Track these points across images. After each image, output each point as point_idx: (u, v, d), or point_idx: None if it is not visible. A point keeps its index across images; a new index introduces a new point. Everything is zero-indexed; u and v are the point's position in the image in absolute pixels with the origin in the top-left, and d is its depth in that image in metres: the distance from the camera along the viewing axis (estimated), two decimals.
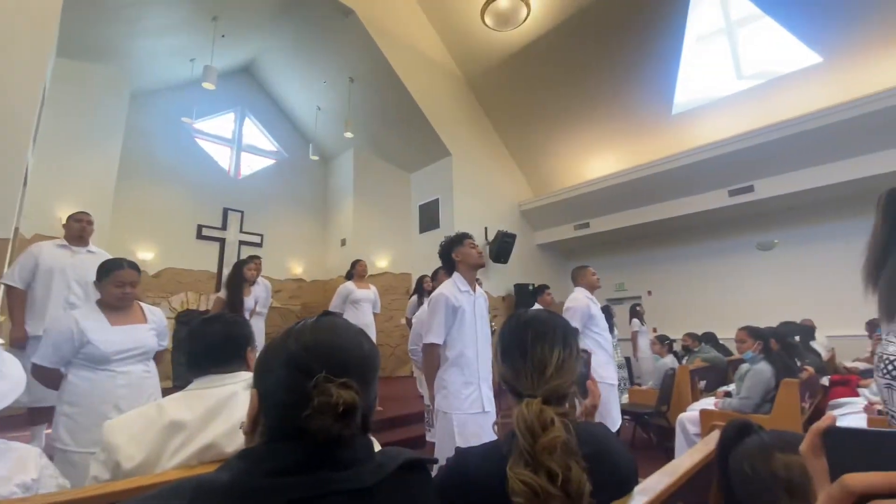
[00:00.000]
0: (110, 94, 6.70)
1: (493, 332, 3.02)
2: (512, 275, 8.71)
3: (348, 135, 7.87)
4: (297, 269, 9.61)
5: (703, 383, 5.00)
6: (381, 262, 9.23)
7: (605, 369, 3.24)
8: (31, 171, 4.54)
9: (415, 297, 5.27)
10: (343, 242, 9.45)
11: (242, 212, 8.88)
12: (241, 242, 8.74)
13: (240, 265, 4.28)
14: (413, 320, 4.10)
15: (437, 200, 8.34)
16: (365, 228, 9.26)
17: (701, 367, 5.12)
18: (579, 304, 3.33)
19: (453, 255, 2.57)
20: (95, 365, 2.04)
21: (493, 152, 9.09)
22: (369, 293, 5.00)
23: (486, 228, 8.51)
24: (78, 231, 3.25)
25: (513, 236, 8.63)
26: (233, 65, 8.98)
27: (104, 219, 6.08)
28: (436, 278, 4.04)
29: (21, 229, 4.83)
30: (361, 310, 4.82)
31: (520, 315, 1.09)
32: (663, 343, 5.74)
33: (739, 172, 7.06)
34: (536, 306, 4.94)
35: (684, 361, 5.59)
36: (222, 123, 9.37)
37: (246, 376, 1.42)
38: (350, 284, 4.96)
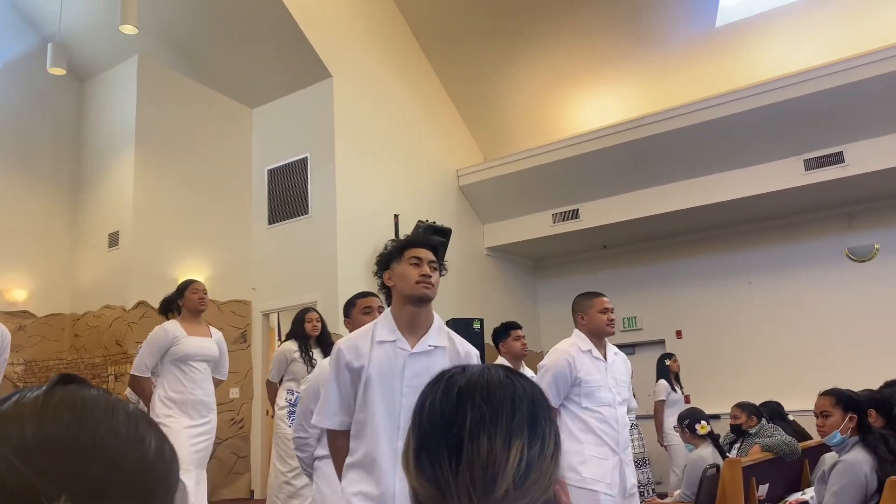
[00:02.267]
0: None
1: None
2: (445, 302, 8.43)
3: (128, 29, 7.35)
4: (17, 294, 8.68)
5: (763, 488, 5.07)
6: (191, 274, 8.24)
7: (590, 466, 3.37)
8: None
9: (289, 347, 5.48)
10: (114, 240, 8.75)
11: None
12: None
13: None
14: (295, 387, 4.58)
15: (303, 161, 8.44)
16: (155, 213, 8.72)
17: (761, 461, 5.18)
18: (553, 362, 3.53)
19: (386, 279, 2.72)
20: None
21: (417, 86, 9.46)
22: (207, 343, 4.81)
23: (396, 217, 8.51)
24: None
25: (446, 232, 8.56)
26: None
27: None
28: (349, 314, 3.72)
29: None
30: (193, 375, 4.67)
31: (450, 378, 1.01)
32: (693, 428, 5.61)
33: (822, 131, 7.27)
34: (500, 360, 5.15)
35: (734, 452, 5.76)
36: None
37: None
38: (172, 326, 4.74)
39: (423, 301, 2.61)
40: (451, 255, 8.69)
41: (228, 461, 7.85)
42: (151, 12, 7.74)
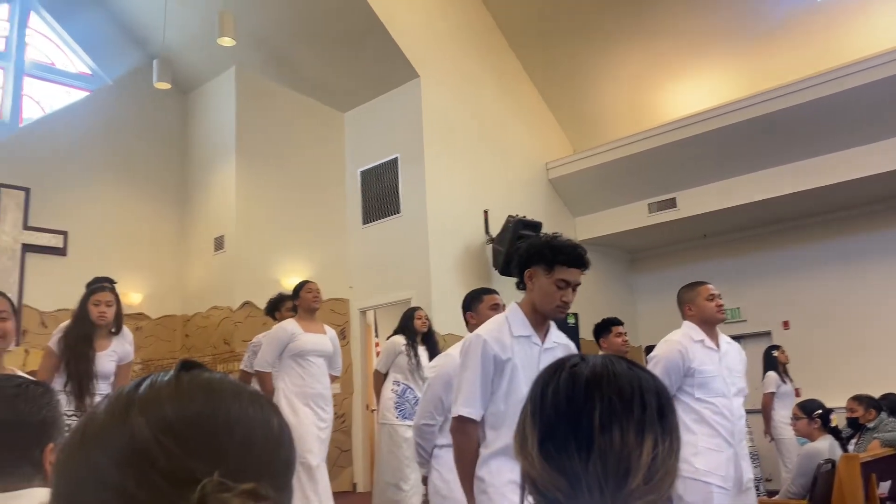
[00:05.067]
0: None
1: None
2: None
3: (226, 41, 7.58)
4: (133, 298, 9.01)
5: (885, 485, 4.99)
6: (289, 278, 8.47)
7: (704, 457, 3.32)
8: None
9: (398, 340, 5.62)
10: (219, 244, 9.05)
11: (27, 189, 8.45)
12: (27, 247, 8.36)
13: (86, 295, 4.31)
14: (428, 373, 4.57)
15: (393, 162, 8.51)
16: (257, 217, 8.97)
17: (881, 457, 5.13)
18: (665, 353, 3.49)
19: (526, 278, 2.69)
20: None
21: (503, 80, 9.41)
22: (323, 340, 5.07)
23: (486, 213, 8.49)
24: None
25: (536, 226, 8.33)
26: None
27: None
28: (474, 308, 3.75)
29: None
30: (311, 369, 4.92)
31: (573, 367, 1.00)
32: (811, 416, 5.52)
33: None
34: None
35: (851, 447, 5.62)
36: None
37: (44, 497, 1.10)
38: (290, 324, 5.01)
39: (554, 320, 2.69)
40: None
41: (331, 455, 8.12)
42: (247, 24, 8.07)
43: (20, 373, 2.52)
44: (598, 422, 0.92)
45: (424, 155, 8.05)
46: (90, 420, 0.71)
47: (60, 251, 8.47)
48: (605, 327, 5.41)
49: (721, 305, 3.60)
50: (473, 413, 2.61)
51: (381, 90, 8.61)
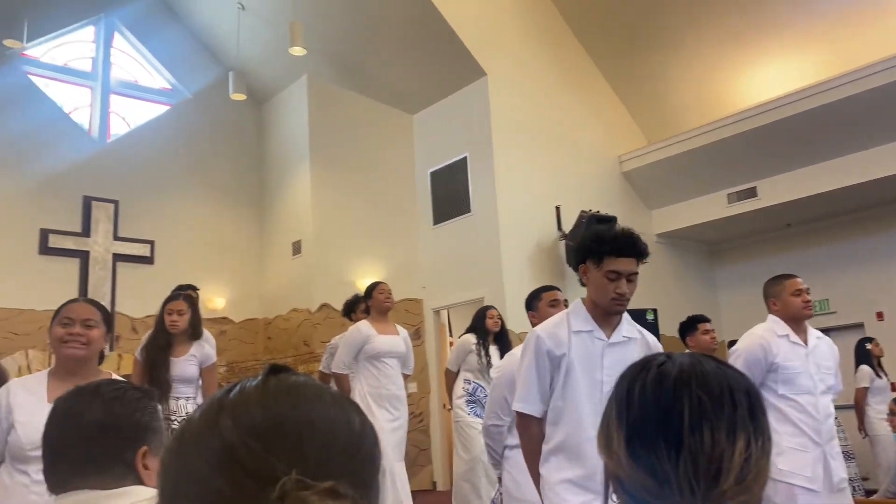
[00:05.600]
0: None
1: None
2: None
3: (297, 51, 7.75)
4: (217, 302, 9.30)
5: None
6: (364, 280, 8.53)
7: (788, 457, 3.27)
8: None
9: (468, 339, 5.62)
10: (297, 248, 9.20)
11: (116, 202, 8.74)
12: (118, 257, 8.65)
13: (163, 305, 4.51)
14: (493, 374, 4.42)
15: (462, 161, 8.52)
16: (332, 221, 9.11)
17: None
18: (747, 346, 3.47)
19: (581, 274, 2.69)
20: (15, 462, 2.30)
21: (572, 73, 9.35)
22: (397, 342, 5.13)
23: (558, 209, 8.41)
24: None
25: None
26: None
27: None
28: (534, 307, 3.74)
29: None
30: (386, 371, 5.00)
31: (661, 366, 0.99)
32: None
33: None
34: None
35: None
36: (75, 47, 9.37)
37: (141, 496, 1.46)
38: (364, 326, 5.08)
39: (614, 314, 2.61)
40: None
41: (410, 454, 8.21)
42: (316, 33, 8.21)
43: (117, 377, 2.66)
44: (688, 421, 0.91)
45: (493, 153, 8.03)
46: (187, 425, 0.75)
47: (148, 260, 8.74)
48: (691, 325, 5.34)
49: (808, 301, 3.49)
50: (529, 409, 2.60)
51: (449, 90, 8.63)
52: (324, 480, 0.66)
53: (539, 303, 3.48)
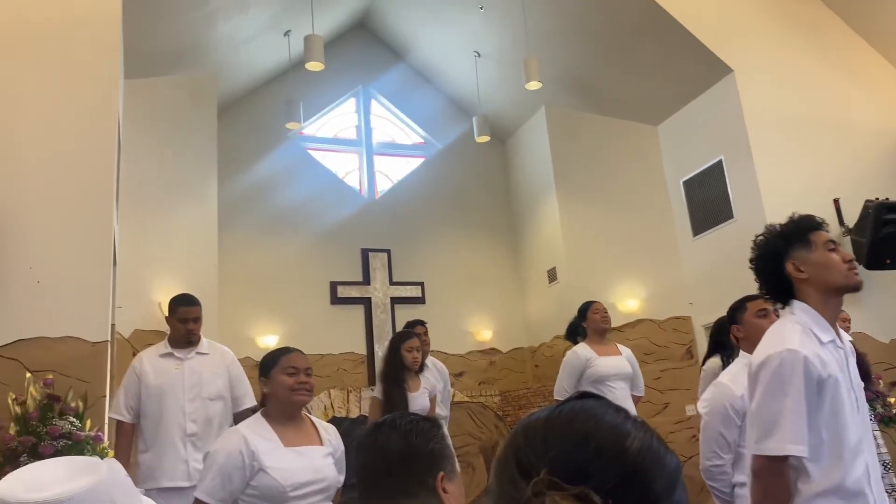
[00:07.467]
0: (194, 109, 7.91)
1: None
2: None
3: (533, 85, 7.84)
4: (485, 335, 9.56)
5: None
6: (626, 305, 8.56)
7: None
8: (119, 244, 5.37)
9: (715, 363, 4.92)
10: (552, 276, 9.29)
11: (388, 250, 9.34)
12: (395, 300, 9.24)
13: (396, 343, 4.68)
14: (701, 409, 3.57)
15: (718, 165, 8.16)
16: (584, 244, 9.07)
17: None
18: None
19: (792, 271, 2.33)
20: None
21: (833, 51, 8.54)
22: (619, 362, 4.97)
23: (836, 202, 7.74)
24: (184, 335, 3.95)
25: None
26: (341, 23, 9.63)
27: (210, 292, 6.93)
28: (739, 320, 3.41)
29: (117, 326, 5.44)
30: (614, 394, 4.75)
31: None
32: None
33: None
34: None
35: None
36: (341, 120, 10.15)
37: None
38: (582, 349, 4.96)
39: (851, 291, 2.30)
40: None
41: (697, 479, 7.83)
42: (547, 63, 8.24)
43: (317, 420, 2.91)
44: None
45: (752, 150, 7.47)
46: (506, 444, 0.84)
47: (420, 300, 9.17)
48: None
49: None
50: (801, 450, 2.19)
51: (693, 94, 8.24)
52: (576, 483, 0.69)
53: (745, 314, 3.18)
